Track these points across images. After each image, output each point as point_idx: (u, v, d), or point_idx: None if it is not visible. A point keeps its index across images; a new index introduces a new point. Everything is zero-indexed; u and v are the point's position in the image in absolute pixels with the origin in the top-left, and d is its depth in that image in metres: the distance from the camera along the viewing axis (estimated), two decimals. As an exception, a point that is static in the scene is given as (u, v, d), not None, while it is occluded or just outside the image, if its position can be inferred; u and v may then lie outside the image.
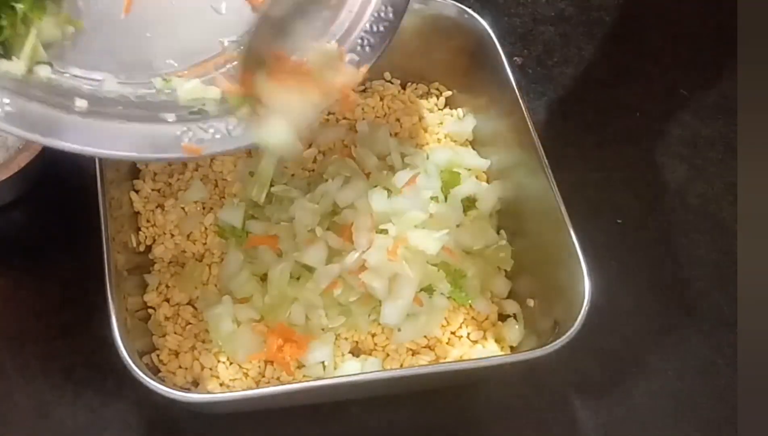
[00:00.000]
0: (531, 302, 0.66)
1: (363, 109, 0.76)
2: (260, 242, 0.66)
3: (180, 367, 0.63)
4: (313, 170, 0.72)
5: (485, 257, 0.68)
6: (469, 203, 0.71)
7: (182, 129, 0.54)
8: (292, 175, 0.70)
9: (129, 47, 0.58)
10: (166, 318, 0.65)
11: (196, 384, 0.62)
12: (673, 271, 0.74)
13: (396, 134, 0.75)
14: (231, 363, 0.63)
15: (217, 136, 0.55)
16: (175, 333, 0.64)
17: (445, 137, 0.76)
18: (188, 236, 0.69)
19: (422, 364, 0.64)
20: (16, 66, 0.53)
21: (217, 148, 0.55)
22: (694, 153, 0.81)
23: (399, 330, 0.63)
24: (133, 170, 0.71)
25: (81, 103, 0.54)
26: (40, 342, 0.65)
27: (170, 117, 0.55)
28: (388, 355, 0.64)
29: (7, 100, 0.51)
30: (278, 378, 0.62)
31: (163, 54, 0.58)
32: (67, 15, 0.56)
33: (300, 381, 0.61)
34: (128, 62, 0.57)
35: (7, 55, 0.54)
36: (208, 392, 0.61)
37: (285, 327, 0.63)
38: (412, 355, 0.64)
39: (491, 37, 0.72)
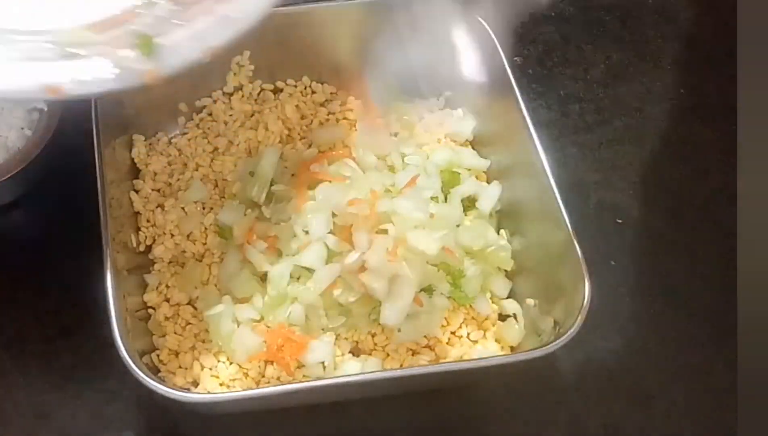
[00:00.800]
0: (531, 302, 0.65)
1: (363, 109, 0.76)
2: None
3: (180, 367, 0.63)
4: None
5: (485, 257, 0.68)
6: (469, 203, 0.71)
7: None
8: (292, 175, 0.70)
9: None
10: (166, 318, 0.65)
11: (196, 384, 0.62)
12: (673, 271, 0.74)
13: (396, 134, 0.75)
14: (231, 363, 0.63)
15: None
16: (175, 333, 0.64)
17: (445, 137, 0.76)
18: (188, 236, 0.69)
19: (422, 364, 0.64)
20: None
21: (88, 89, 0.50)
22: (694, 153, 0.81)
23: (399, 330, 0.63)
24: (133, 170, 0.72)
25: None
26: (40, 342, 0.65)
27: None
28: (388, 355, 0.64)
29: None
30: (278, 378, 0.62)
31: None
32: None
33: (300, 381, 0.61)
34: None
35: None
36: (208, 392, 0.61)
37: (285, 327, 0.63)
38: (412, 355, 0.64)
39: (491, 37, 0.72)
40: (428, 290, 0.65)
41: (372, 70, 0.76)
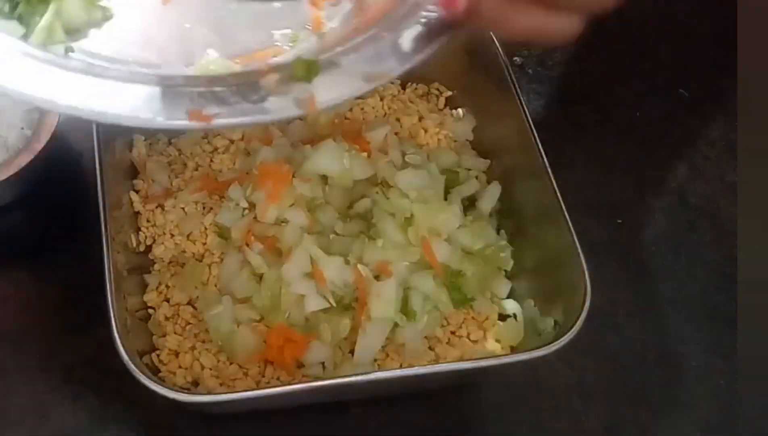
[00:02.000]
0: (531, 302, 0.65)
1: (363, 109, 0.76)
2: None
3: (180, 367, 0.63)
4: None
5: (485, 257, 0.68)
6: (469, 203, 0.71)
7: (195, 96, 0.48)
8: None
9: (164, 38, 0.54)
10: (166, 318, 0.65)
11: (196, 384, 0.62)
12: (673, 271, 0.74)
13: (396, 134, 0.75)
14: (231, 363, 0.63)
15: (237, 105, 0.48)
16: (175, 333, 0.64)
17: (445, 137, 0.76)
18: (188, 236, 0.69)
19: (422, 364, 0.64)
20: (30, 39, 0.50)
21: (233, 120, 0.48)
22: (694, 153, 0.81)
23: (400, 328, 0.63)
24: (133, 170, 0.71)
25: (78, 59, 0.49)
26: (40, 342, 0.65)
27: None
28: (387, 355, 0.64)
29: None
30: (278, 378, 0.62)
31: (203, 44, 0.54)
32: None
33: (300, 381, 0.61)
34: (162, 53, 0.53)
35: (25, 34, 0.50)
36: (208, 392, 0.61)
37: (285, 327, 0.63)
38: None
39: (491, 37, 0.72)
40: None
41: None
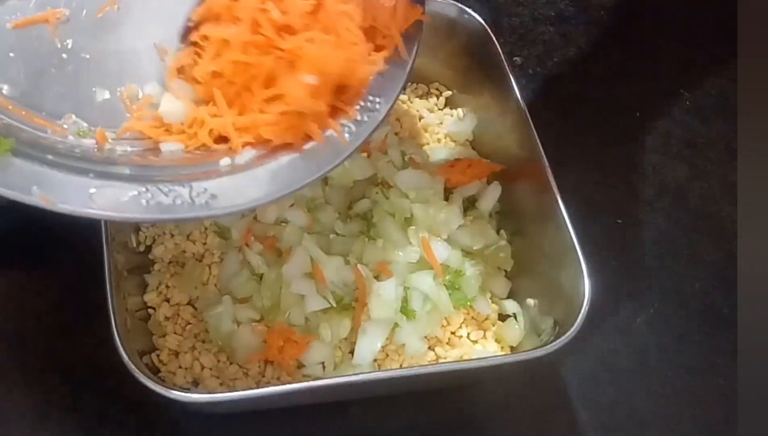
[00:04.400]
0: (531, 302, 0.66)
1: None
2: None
3: (180, 367, 0.63)
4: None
5: (485, 257, 0.68)
6: (469, 203, 0.71)
7: (140, 189, 0.50)
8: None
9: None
10: (166, 318, 0.65)
11: (196, 384, 0.62)
12: (673, 271, 0.74)
13: (396, 134, 0.75)
14: (231, 363, 0.63)
15: (178, 202, 0.50)
16: (175, 333, 0.64)
17: (445, 137, 0.76)
18: (188, 236, 0.69)
19: (422, 364, 0.64)
20: None
21: (179, 215, 0.51)
22: (694, 153, 0.81)
23: (400, 328, 0.63)
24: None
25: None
26: (40, 342, 0.65)
27: (125, 170, 0.52)
28: (387, 355, 0.64)
29: None
30: (278, 378, 0.62)
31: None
32: None
33: (300, 381, 0.61)
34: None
35: None
36: (208, 392, 0.61)
37: (285, 327, 0.63)
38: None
39: (491, 37, 0.72)
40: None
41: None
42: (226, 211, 0.52)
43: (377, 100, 0.57)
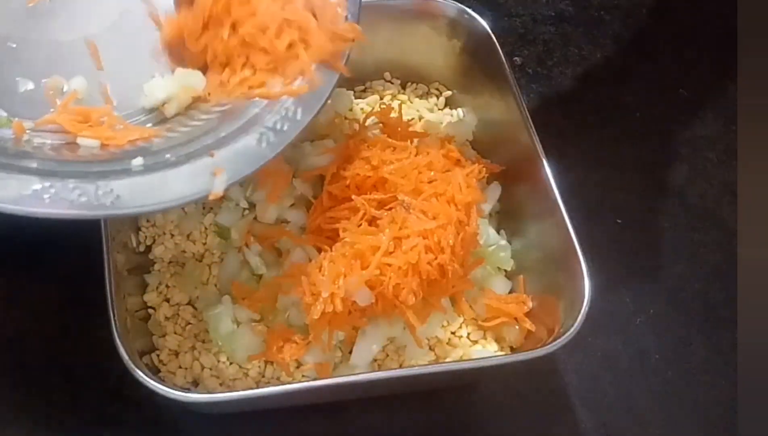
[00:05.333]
0: (531, 302, 0.65)
1: (363, 109, 0.76)
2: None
3: (180, 367, 0.63)
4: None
5: (485, 257, 0.68)
6: (469, 203, 0.71)
7: (45, 184, 0.49)
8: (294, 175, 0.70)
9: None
10: (166, 318, 0.65)
11: (196, 384, 0.62)
12: (673, 271, 0.74)
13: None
14: (231, 363, 0.63)
15: (83, 199, 0.49)
16: (175, 333, 0.64)
17: (445, 137, 0.76)
18: (188, 236, 0.69)
19: (422, 364, 0.64)
20: None
21: (80, 213, 0.50)
22: (694, 153, 0.81)
23: (403, 329, 0.63)
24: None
25: None
26: (40, 342, 0.65)
27: (32, 164, 0.51)
28: (387, 355, 0.64)
29: None
30: (278, 378, 0.62)
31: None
32: None
33: (300, 381, 0.61)
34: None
35: None
36: (208, 392, 0.61)
37: (285, 327, 0.63)
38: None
39: (491, 37, 0.72)
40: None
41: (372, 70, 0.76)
42: (130, 211, 0.51)
43: (298, 109, 0.57)
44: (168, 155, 0.54)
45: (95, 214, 0.51)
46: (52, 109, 0.55)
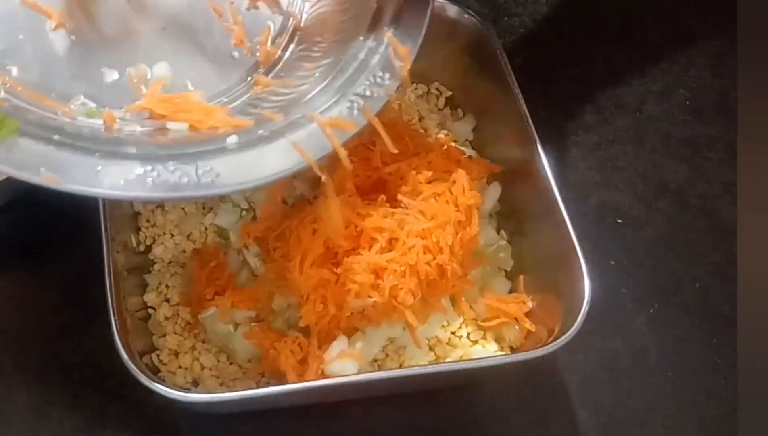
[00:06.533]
0: (531, 302, 0.65)
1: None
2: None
3: (180, 367, 0.63)
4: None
5: (485, 257, 0.68)
6: (469, 203, 0.71)
7: (146, 168, 0.50)
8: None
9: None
10: (166, 318, 0.65)
11: (196, 384, 0.62)
12: (673, 271, 0.74)
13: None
14: (231, 363, 0.63)
15: (184, 180, 0.51)
16: (175, 333, 0.64)
17: (445, 137, 0.76)
18: (188, 236, 0.69)
19: (422, 364, 0.64)
20: None
21: (185, 193, 0.51)
22: (694, 153, 0.81)
23: (403, 329, 0.63)
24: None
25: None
26: (40, 342, 0.65)
27: (131, 149, 0.52)
28: (387, 355, 0.64)
29: None
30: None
31: None
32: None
33: (300, 381, 0.61)
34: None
35: None
36: (208, 392, 0.61)
37: (277, 330, 0.63)
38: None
39: (491, 37, 0.72)
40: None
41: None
42: (231, 189, 0.52)
43: (385, 75, 0.58)
44: (261, 131, 0.54)
45: (198, 195, 0.52)
46: (135, 97, 0.56)
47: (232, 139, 0.53)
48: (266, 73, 0.61)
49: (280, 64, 0.62)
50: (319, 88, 0.58)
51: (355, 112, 0.56)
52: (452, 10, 0.73)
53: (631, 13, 0.91)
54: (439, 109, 0.78)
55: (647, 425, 0.66)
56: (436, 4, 0.72)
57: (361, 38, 0.60)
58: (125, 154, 0.51)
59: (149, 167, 0.50)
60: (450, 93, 0.78)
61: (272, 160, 0.53)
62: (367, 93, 0.57)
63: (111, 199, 0.49)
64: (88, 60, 0.57)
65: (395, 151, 0.59)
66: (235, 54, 0.61)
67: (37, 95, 0.54)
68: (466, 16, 0.73)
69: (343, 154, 0.55)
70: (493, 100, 0.72)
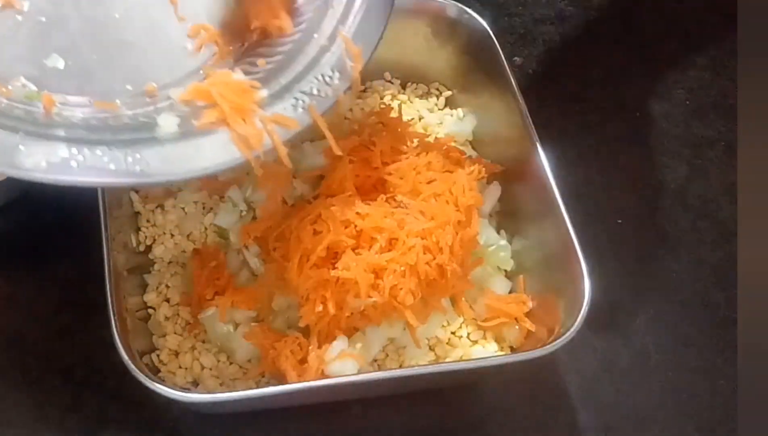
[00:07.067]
0: (531, 302, 0.65)
1: (363, 109, 0.76)
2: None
3: (180, 367, 0.63)
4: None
5: (485, 257, 0.68)
6: (468, 203, 0.71)
7: (72, 151, 0.49)
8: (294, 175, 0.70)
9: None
10: (166, 318, 0.65)
11: (196, 384, 0.62)
12: (673, 271, 0.74)
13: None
14: (231, 363, 0.63)
15: (111, 166, 0.49)
16: (175, 333, 0.64)
17: (445, 137, 0.76)
18: (188, 236, 0.69)
19: (422, 364, 0.64)
20: None
21: (110, 180, 0.50)
22: (694, 153, 0.81)
23: (403, 329, 0.63)
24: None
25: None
26: (40, 342, 0.65)
27: (60, 132, 0.50)
28: (387, 355, 0.64)
29: None
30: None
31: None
32: None
33: (300, 381, 0.61)
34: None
35: None
36: (208, 392, 0.61)
37: (277, 330, 0.63)
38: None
39: (491, 37, 0.72)
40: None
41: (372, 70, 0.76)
42: (160, 179, 0.51)
43: (335, 75, 0.57)
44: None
45: (125, 182, 0.51)
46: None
47: (169, 129, 0.52)
48: (218, 67, 0.59)
49: (234, 58, 0.60)
50: (267, 84, 0.57)
51: (300, 109, 0.55)
52: (452, 10, 0.73)
53: (631, 14, 0.91)
54: (439, 109, 0.78)
55: (647, 425, 0.66)
56: (436, 4, 0.73)
57: (315, 36, 0.59)
58: (52, 136, 0.50)
59: (75, 151, 0.49)
60: (450, 93, 0.78)
61: (209, 154, 0.52)
62: (314, 91, 0.56)
63: (32, 180, 0.48)
64: (34, 42, 0.55)
65: (339, 153, 0.58)
66: (188, 46, 0.60)
67: None
68: (466, 16, 0.73)
69: (282, 151, 0.54)
70: (493, 100, 0.72)
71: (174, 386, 0.58)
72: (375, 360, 0.64)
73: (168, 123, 0.53)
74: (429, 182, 0.64)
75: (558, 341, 0.57)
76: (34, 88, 0.54)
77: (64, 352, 0.65)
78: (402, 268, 0.59)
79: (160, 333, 0.64)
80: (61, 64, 0.56)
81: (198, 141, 0.52)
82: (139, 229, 0.69)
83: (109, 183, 0.51)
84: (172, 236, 0.69)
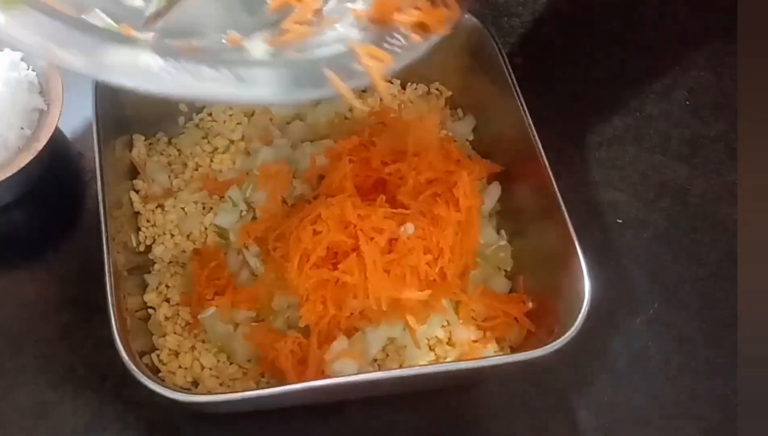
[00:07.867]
0: (531, 302, 0.65)
1: (363, 109, 0.76)
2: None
3: (180, 367, 0.63)
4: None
5: (485, 257, 0.68)
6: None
7: (161, 61, 0.47)
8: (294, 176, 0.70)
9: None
10: (166, 318, 0.65)
11: (196, 384, 0.62)
12: (673, 271, 0.74)
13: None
14: (231, 363, 0.63)
15: (206, 72, 0.47)
16: (175, 333, 0.64)
17: (445, 137, 0.76)
18: (188, 236, 0.69)
19: (422, 364, 0.64)
20: None
21: (204, 92, 0.48)
22: (694, 153, 0.81)
23: (403, 329, 0.63)
24: (133, 170, 0.71)
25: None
26: (40, 342, 0.65)
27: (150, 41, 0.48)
28: (387, 355, 0.64)
29: None
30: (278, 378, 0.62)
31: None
32: None
33: (300, 381, 0.61)
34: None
35: None
36: (208, 392, 0.61)
37: (276, 330, 0.63)
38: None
39: (491, 37, 0.72)
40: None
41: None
42: (254, 97, 0.50)
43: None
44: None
45: (223, 93, 0.48)
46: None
47: (261, 50, 0.50)
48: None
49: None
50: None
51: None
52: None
53: (630, 13, 0.91)
54: (439, 109, 0.78)
55: (647, 425, 0.66)
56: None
57: None
58: (142, 43, 0.48)
59: (162, 62, 0.47)
60: (450, 93, 0.78)
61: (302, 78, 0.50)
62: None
63: (120, 86, 0.46)
64: None
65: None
66: None
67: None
68: (466, 16, 0.73)
69: (382, 84, 0.52)
70: (493, 100, 0.72)
71: (174, 386, 0.58)
72: (375, 360, 0.64)
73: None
74: (429, 182, 0.64)
75: (558, 341, 0.57)
76: (109, 20, 0.51)
77: (64, 351, 0.65)
78: (402, 268, 0.59)
79: (160, 333, 0.64)
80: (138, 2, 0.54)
81: (297, 62, 0.51)
82: (139, 229, 0.69)
83: (201, 95, 0.49)
84: (172, 236, 0.69)
